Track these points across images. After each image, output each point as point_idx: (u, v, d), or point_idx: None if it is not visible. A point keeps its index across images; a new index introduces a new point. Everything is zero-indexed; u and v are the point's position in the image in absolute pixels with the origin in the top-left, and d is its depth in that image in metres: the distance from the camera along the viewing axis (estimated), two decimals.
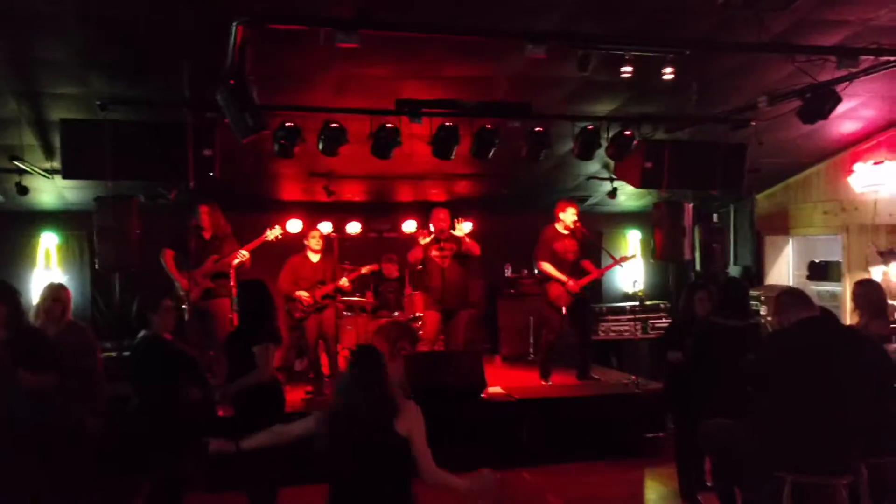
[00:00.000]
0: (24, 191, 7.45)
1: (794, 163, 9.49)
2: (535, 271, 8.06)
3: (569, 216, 7.84)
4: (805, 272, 9.94)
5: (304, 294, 7.68)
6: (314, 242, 7.86)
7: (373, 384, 3.24)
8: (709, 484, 5.75)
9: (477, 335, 9.79)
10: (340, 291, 8.13)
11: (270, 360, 4.82)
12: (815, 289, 9.37)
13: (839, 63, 5.58)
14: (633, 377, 7.82)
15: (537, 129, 7.11)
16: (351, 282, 8.13)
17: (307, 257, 7.88)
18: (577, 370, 8.17)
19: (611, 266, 8.62)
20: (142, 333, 4.75)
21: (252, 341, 4.77)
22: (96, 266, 7.07)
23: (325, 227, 8.78)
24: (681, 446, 5.79)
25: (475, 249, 7.81)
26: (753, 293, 9.18)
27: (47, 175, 7.49)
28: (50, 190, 8.11)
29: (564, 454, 6.90)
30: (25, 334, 4.33)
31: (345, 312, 8.74)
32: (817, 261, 9.83)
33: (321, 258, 7.89)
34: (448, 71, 6.50)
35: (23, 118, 6.58)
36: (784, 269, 10.42)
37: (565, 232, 7.86)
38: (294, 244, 8.28)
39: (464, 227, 7.72)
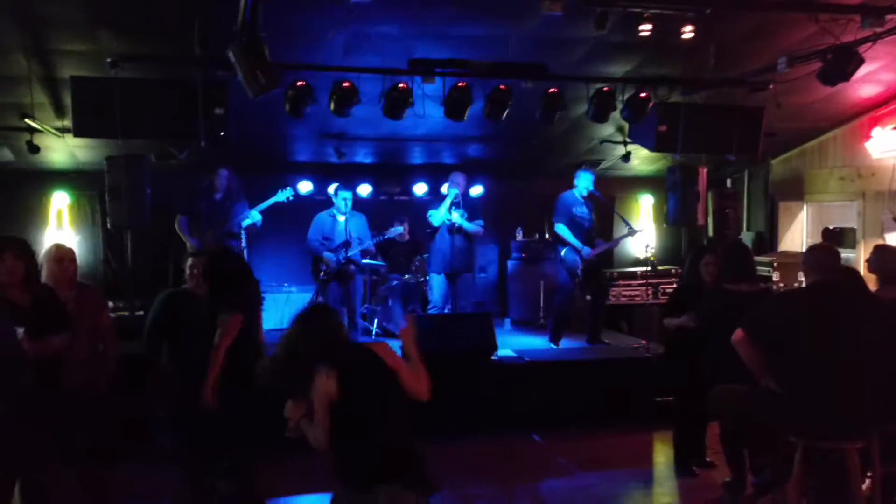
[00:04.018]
0: (35, 149, 7.42)
1: (810, 127, 9.35)
2: (546, 235, 8.05)
3: (584, 182, 7.81)
4: (819, 239, 9.86)
5: (331, 257, 7.67)
6: (342, 203, 7.81)
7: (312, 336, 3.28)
8: (708, 460, 5.75)
9: (486, 298, 9.80)
10: (367, 252, 8.10)
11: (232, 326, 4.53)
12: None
13: (863, 22, 5.46)
14: (644, 342, 7.82)
15: (551, 90, 7.01)
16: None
17: (334, 216, 7.85)
18: (588, 334, 8.18)
19: (623, 237, 8.61)
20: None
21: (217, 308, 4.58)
22: (108, 226, 7.08)
23: (365, 189, 8.95)
24: (680, 414, 5.78)
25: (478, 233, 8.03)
26: (766, 259, 9.13)
27: (58, 133, 7.46)
28: (61, 149, 8.08)
29: (574, 417, 6.94)
30: (44, 295, 4.30)
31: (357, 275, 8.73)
32: (832, 227, 9.74)
33: (347, 219, 7.85)
34: (461, 30, 6.40)
35: (33, 76, 6.52)
36: (798, 235, 10.33)
37: (582, 198, 7.83)
38: (309, 205, 8.26)
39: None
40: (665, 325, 5.70)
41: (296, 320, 3.39)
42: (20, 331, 3.81)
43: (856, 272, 4.70)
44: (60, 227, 8.88)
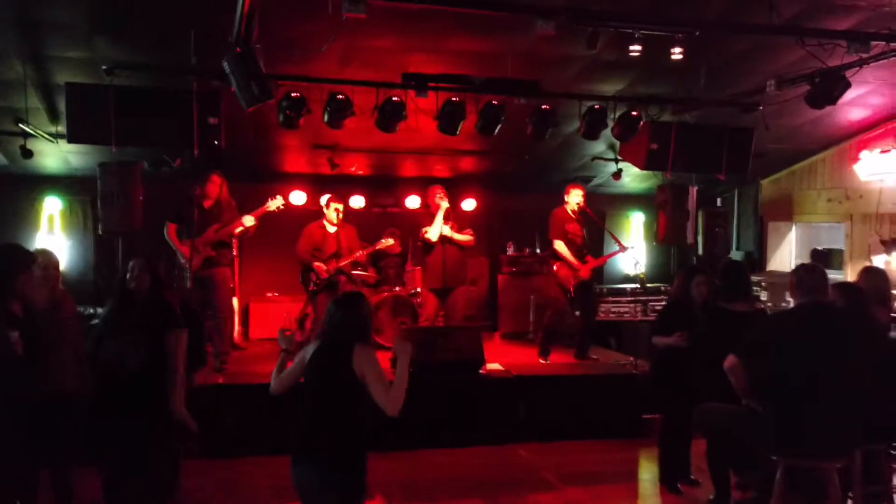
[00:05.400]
0: (28, 154, 7.42)
1: (800, 149, 9.46)
2: (538, 250, 8.07)
3: (575, 198, 7.86)
4: (807, 259, 9.94)
5: (322, 266, 7.68)
6: (334, 215, 7.82)
7: (354, 319, 3.67)
8: (693, 478, 5.77)
9: (476, 312, 9.81)
10: (357, 264, 8.12)
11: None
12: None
13: (849, 48, 5.54)
14: (632, 359, 7.85)
15: (544, 107, 7.07)
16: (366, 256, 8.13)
17: (324, 227, 7.85)
18: (576, 350, 8.20)
19: (614, 254, 8.66)
20: None
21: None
22: (99, 231, 7.08)
23: (358, 201, 9.07)
24: (666, 432, 5.80)
25: (470, 244, 8.01)
26: (755, 278, 9.19)
27: (52, 139, 7.48)
28: (55, 154, 8.10)
29: (561, 432, 6.95)
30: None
31: (347, 286, 8.74)
32: (820, 248, 9.83)
33: (338, 230, 7.87)
34: (455, 45, 6.46)
35: (28, 81, 6.54)
36: (786, 255, 10.42)
37: (573, 214, 7.89)
38: (301, 215, 8.28)
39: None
40: (654, 343, 5.72)
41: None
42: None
43: (855, 289, 4.73)
44: (52, 231, 8.89)
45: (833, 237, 9.64)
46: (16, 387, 3.77)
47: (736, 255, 10.42)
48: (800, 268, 4.40)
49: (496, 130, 7.08)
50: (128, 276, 4.52)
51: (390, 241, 8.40)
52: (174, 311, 4.62)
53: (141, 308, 4.48)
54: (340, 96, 6.59)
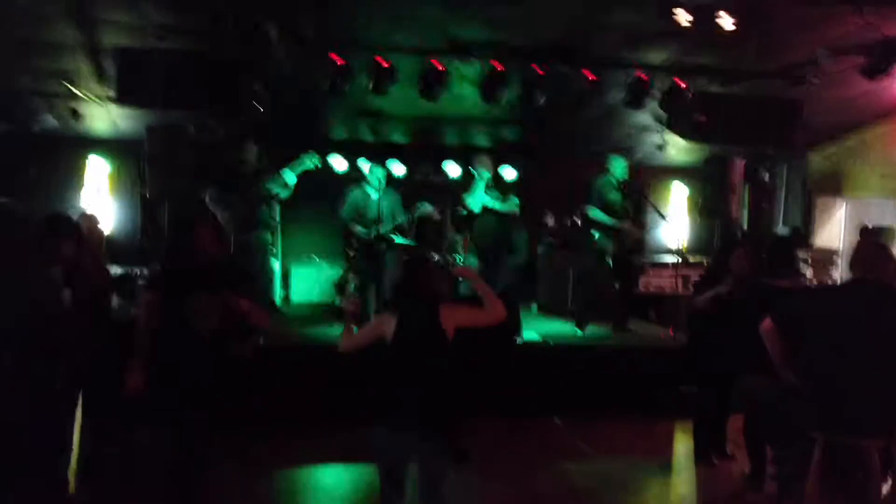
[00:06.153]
0: (77, 116, 7.57)
1: (852, 122, 9.18)
2: (577, 221, 8.01)
3: (618, 169, 7.78)
4: (856, 236, 9.71)
5: (361, 230, 7.72)
6: (377, 181, 7.85)
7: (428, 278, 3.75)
8: (728, 452, 5.74)
9: (515, 282, 9.80)
10: (399, 231, 8.13)
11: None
12: None
13: None
14: (671, 332, 7.79)
15: (588, 75, 6.97)
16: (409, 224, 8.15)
17: (367, 193, 7.89)
18: (615, 322, 8.17)
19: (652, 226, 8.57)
20: None
21: None
22: (146, 194, 7.20)
23: (400, 168, 9.02)
24: (702, 405, 5.77)
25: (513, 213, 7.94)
26: (801, 255, 9.02)
27: (100, 102, 7.60)
28: (103, 117, 8.24)
29: (596, 403, 6.95)
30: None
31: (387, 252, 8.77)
32: (870, 225, 9.58)
33: (380, 197, 7.91)
34: (500, 12, 6.38)
35: (78, 44, 6.65)
36: (835, 231, 10.17)
37: (614, 184, 7.82)
38: (343, 182, 8.32)
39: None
40: (695, 303, 5.64)
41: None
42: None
43: None
44: (100, 193, 9.05)
45: (884, 214, 9.38)
46: (68, 343, 3.88)
47: (782, 230, 10.23)
48: (862, 242, 4.29)
49: (541, 100, 7.01)
50: (192, 237, 4.40)
51: (429, 208, 8.38)
52: (243, 270, 4.61)
53: (209, 269, 4.35)
54: (385, 63, 6.58)
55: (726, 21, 5.33)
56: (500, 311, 3.74)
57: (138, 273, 7.58)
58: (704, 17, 5.41)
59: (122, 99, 6.68)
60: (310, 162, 7.56)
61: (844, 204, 10.12)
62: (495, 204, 7.82)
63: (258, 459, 5.62)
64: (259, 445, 5.82)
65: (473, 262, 8.04)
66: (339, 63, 6.47)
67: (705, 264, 9.54)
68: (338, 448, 5.78)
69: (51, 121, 8.21)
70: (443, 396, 3.62)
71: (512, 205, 7.89)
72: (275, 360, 6.52)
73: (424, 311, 3.67)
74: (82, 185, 8.99)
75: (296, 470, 5.63)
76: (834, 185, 9.93)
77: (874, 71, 6.26)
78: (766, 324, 4.17)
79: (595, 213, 7.73)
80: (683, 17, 5.24)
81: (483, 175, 7.75)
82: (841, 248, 9.74)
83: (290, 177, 7.38)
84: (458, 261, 8.72)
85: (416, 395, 3.59)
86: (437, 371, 3.64)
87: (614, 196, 7.79)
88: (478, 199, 7.71)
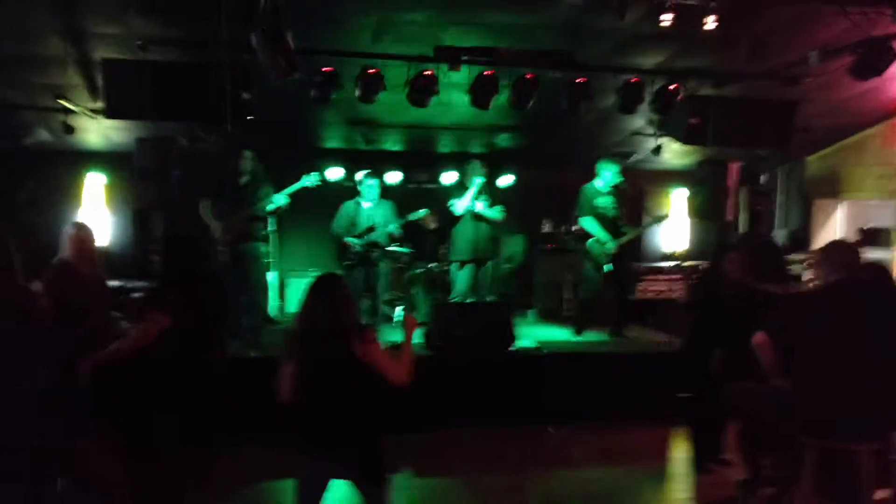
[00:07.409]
0: (70, 130, 7.57)
1: (848, 124, 9.14)
2: (573, 227, 7.99)
3: (609, 174, 7.75)
4: (855, 238, 9.64)
5: (354, 242, 7.69)
6: (369, 192, 7.82)
7: (329, 308, 3.53)
8: (725, 457, 5.67)
9: (511, 289, 9.77)
10: (393, 239, 8.10)
11: None
12: (866, 255, 9.09)
13: (894, 16, 5.31)
14: (668, 337, 7.74)
15: (579, 80, 6.95)
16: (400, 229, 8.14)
17: (360, 203, 7.87)
18: (611, 327, 8.12)
19: (649, 225, 8.53)
20: None
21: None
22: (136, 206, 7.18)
23: (394, 177, 8.99)
24: (698, 411, 5.71)
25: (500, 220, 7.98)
26: (799, 258, 8.96)
27: (92, 115, 7.60)
28: (96, 130, 8.22)
29: (592, 411, 6.88)
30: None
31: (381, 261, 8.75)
32: (868, 227, 9.52)
33: (373, 206, 7.87)
34: (489, 18, 6.36)
35: (68, 57, 6.64)
36: (833, 233, 10.11)
37: (605, 189, 7.77)
38: (338, 191, 8.30)
39: None
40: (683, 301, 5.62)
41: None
42: None
43: (883, 269, 4.59)
44: (95, 206, 9.04)
45: (882, 215, 9.32)
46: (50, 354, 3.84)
47: (780, 233, 10.17)
48: (829, 244, 4.27)
49: (529, 104, 6.99)
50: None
51: (422, 213, 8.36)
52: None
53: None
54: (372, 70, 6.56)
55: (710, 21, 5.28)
56: (406, 377, 3.54)
57: (131, 287, 7.56)
58: (690, 18, 5.36)
59: (111, 111, 6.66)
60: (309, 181, 7.54)
61: (841, 206, 10.06)
62: (483, 210, 7.79)
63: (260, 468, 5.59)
64: (258, 455, 5.78)
65: (461, 269, 7.98)
66: (325, 71, 6.44)
67: (701, 269, 9.50)
68: None
69: (43, 135, 8.21)
70: (357, 423, 3.50)
71: (498, 212, 7.88)
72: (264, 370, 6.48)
73: (330, 333, 3.49)
74: (77, 198, 8.99)
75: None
76: (831, 188, 9.88)
77: (864, 71, 6.22)
78: (759, 337, 4.13)
79: (584, 223, 7.69)
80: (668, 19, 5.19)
81: (474, 181, 7.73)
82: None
83: (281, 199, 7.34)
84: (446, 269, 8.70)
85: (327, 425, 3.50)
86: (348, 399, 3.50)
87: (602, 201, 7.76)
88: (464, 203, 7.70)
